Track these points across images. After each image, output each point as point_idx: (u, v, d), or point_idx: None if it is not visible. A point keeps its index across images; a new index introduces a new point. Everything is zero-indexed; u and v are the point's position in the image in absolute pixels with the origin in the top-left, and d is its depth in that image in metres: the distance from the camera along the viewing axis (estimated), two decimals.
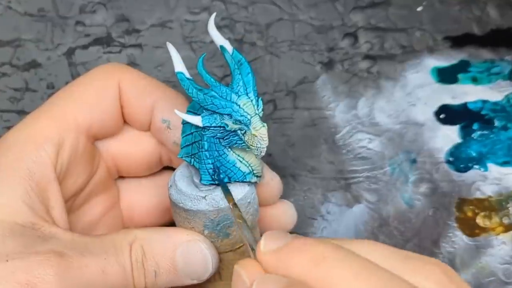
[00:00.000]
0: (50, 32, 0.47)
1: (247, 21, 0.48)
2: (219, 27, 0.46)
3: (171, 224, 0.39)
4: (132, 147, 0.41)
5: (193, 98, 0.35)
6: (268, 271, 0.30)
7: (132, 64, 0.47)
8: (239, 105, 0.35)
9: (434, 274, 0.29)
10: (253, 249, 0.32)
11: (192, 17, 0.48)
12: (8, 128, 0.45)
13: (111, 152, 0.41)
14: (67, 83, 0.46)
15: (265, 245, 0.30)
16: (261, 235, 0.31)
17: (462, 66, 0.48)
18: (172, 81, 0.46)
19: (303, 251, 0.29)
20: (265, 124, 0.34)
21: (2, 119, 0.46)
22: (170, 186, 0.37)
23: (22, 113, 0.46)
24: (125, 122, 0.40)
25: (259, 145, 0.35)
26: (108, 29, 0.47)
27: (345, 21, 0.48)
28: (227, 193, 0.35)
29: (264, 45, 0.48)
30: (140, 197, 0.42)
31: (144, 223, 0.42)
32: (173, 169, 0.42)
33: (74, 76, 0.47)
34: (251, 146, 0.35)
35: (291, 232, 0.46)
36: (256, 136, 0.34)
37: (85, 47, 0.47)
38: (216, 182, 0.36)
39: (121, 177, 0.43)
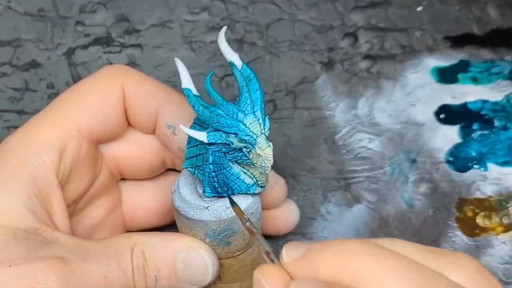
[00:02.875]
0: (50, 32, 0.47)
1: (247, 21, 0.48)
2: (219, 27, 0.46)
3: (173, 225, 0.39)
4: (136, 150, 0.41)
5: (199, 116, 0.35)
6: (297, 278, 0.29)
7: (132, 64, 0.47)
8: (245, 124, 0.34)
9: (466, 269, 0.29)
10: (268, 254, 0.32)
11: (192, 17, 0.48)
12: (8, 128, 0.46)
13: (114, 155, 0.41)
14: (67, 83, 0.47)
15: (287, 255, 0.29)
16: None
17: (462, 66, 0.48)
18: (173, 81, 0.46)
19: (331, 250, 0.28)
20: (271, 144, 0.34)
21: (2, 119, 0.46)
22: (174, 191, 0.37)
23: (22, 113, 0.46)
24: (129, 125, 0.40)
25: (263, 164, 0.35)
26: (108, 29, 0.47)
27: (345, 21, 0.48)
28: (238, 209, 0.36)
29: (264, 45, 0.48)
30: (142, 198, 0.42)
31: (146, 224, 0.43)
32: (176, 171, 0.42)
33: (74, 76, 0.47)
34: (255, 164, 0.35)
35: (290, 232, 0.46)
36: (261, 155, 0.34)
37: (85, 47, 0.47)
38: (219, 195, 0.36)
39: (123, 179, 0.43)
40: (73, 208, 0.39)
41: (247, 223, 0.34)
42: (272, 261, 0.31)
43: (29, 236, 0.34)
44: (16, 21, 0.47)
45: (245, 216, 0.35)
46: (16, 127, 0.41)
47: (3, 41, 0.47)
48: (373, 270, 0.27)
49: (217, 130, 0.35)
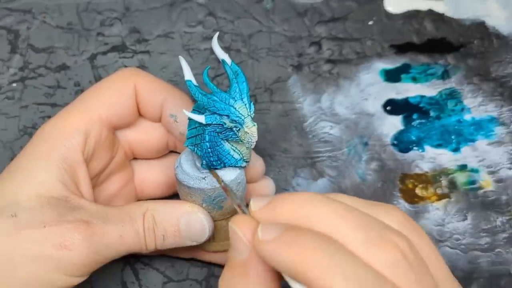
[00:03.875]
0: (76, 41, 0.49)
1: (233, 32, 0.50)
2: (211, 37, 0.47)
3: (175, 195, 0.41)
4: (145, 135, 0.42)
5: (198, 101, 0.36)
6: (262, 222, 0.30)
7: (142, 66, 0.48)
8: (235, 108, 0.35)
9: (396, 217, 0.30)
10: (240, 206, 0.33)
11: (190, 29, 0.50)
12: (43, 118, 0.48)
13: (128, 139, 0.42)
14: (90, 82, 0.48)
15: (254, 205, 0.31)
16: (247, 204, 0.32)
17: (404, 68, 0.50)
18: (175, 80, 0.48)
19: (288, 200, 0.30)
20: (256, 124, 0.36)
21: (39, 110, 0.48)
22: (177, 167, 0.38)
23: (54, 105, 0.48)
24: (140, 115, 0.41)
25: (250, 140, 0.36)
26: (123, 39, 0.49)
27: (311, 32, 0.50)
28: (215, 173, 0.37)
29: (247, 51, 0.49)
30: (150, 174, 0.43)
31: (153, 195, 0.44)
32: (177, 153, 0.44)
33: (96, 76, 0.48)
34: (243, 140, 0.36)
35: None
36: (248, 133, 0.36)
37: (104, 53, 0.49)
38: (213, 168, 0.38)
39: (135, 159, 0.44)
40: (95, 181, 0.41)
41: (222, 183, 0.36)
42: (243, 211, 0.32)
43: (60, 203, 0.36)
44: (50, 32, 0.49)
45: (220, 178, 0.36)
46: (49, 117, 0.43)
47: (39, 49, 0.49)
48: (322, 213, 0.29)
49: (213, 113, 0.35)
